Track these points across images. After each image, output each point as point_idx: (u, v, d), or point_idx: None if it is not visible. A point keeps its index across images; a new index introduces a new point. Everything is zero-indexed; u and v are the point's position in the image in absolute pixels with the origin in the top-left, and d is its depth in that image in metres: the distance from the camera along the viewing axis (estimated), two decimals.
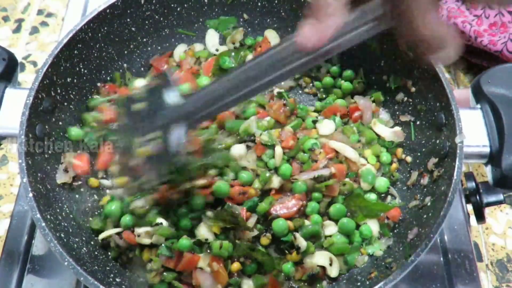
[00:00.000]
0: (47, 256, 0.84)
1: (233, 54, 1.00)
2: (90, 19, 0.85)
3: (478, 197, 0.88)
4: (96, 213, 0.85)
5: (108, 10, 0.87)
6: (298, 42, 0.50)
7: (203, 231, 0.79)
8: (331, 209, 0.84)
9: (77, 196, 0.84)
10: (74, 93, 0.86)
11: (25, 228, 0.87)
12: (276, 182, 0.84)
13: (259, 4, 1.00)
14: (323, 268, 0.80)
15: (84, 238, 0.78)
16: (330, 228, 0.83)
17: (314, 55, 0.54)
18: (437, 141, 0.81)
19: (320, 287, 0.80)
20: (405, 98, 0.91)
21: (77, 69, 0.86)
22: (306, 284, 0.80)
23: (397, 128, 0.91)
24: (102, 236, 0.80)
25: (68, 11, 1.15)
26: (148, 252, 0.79)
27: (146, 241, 0.78)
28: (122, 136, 0.76)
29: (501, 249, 1.16)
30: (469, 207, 0.91)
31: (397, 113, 0.93)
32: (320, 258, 0.80)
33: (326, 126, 0.90)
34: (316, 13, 0.48)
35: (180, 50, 1.02)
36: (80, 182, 0.85)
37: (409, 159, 0.89)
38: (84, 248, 0.76)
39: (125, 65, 0.97)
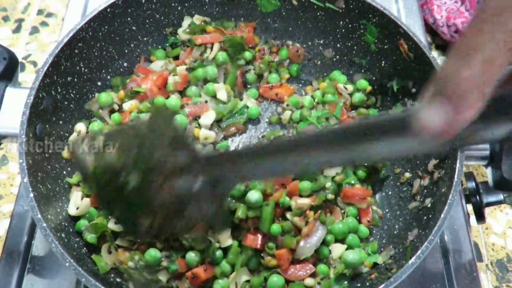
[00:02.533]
0: (47, 256, 0.84)
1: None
2: (90, 18, 0.85)
3: (478, 197, 0.89)
4: None
5: (108, 9, 0.87)
6: (423, 124, 0.43)
7: None
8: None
9: None
10: (74, 92, 0.86)
11: (25, 228, 0.86)
12: None
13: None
14: None
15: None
16: (337, 250, 0.81)
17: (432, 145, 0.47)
18: None
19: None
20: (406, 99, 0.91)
21: (78, 68, 0.86)
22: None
23: None
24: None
25: (68, 11, 1.14)
26: None
27: None
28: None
29: (501, 249, 1.16)
30: (469, 207, 0.92)
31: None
32: None
33: None
34: (453, 98, 0.40)
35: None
36: None
37: (408, 175, 0.88)
38: (85, 248, 0.76)
39: (125, 64, 0.97)
